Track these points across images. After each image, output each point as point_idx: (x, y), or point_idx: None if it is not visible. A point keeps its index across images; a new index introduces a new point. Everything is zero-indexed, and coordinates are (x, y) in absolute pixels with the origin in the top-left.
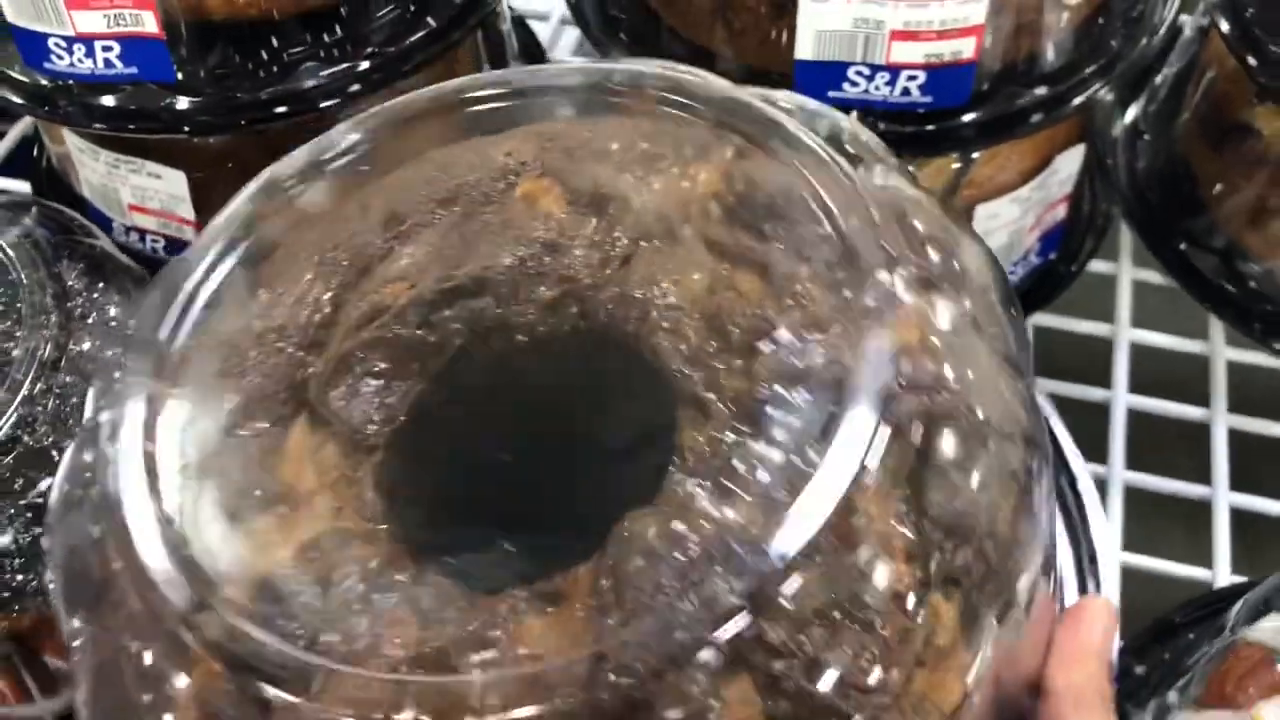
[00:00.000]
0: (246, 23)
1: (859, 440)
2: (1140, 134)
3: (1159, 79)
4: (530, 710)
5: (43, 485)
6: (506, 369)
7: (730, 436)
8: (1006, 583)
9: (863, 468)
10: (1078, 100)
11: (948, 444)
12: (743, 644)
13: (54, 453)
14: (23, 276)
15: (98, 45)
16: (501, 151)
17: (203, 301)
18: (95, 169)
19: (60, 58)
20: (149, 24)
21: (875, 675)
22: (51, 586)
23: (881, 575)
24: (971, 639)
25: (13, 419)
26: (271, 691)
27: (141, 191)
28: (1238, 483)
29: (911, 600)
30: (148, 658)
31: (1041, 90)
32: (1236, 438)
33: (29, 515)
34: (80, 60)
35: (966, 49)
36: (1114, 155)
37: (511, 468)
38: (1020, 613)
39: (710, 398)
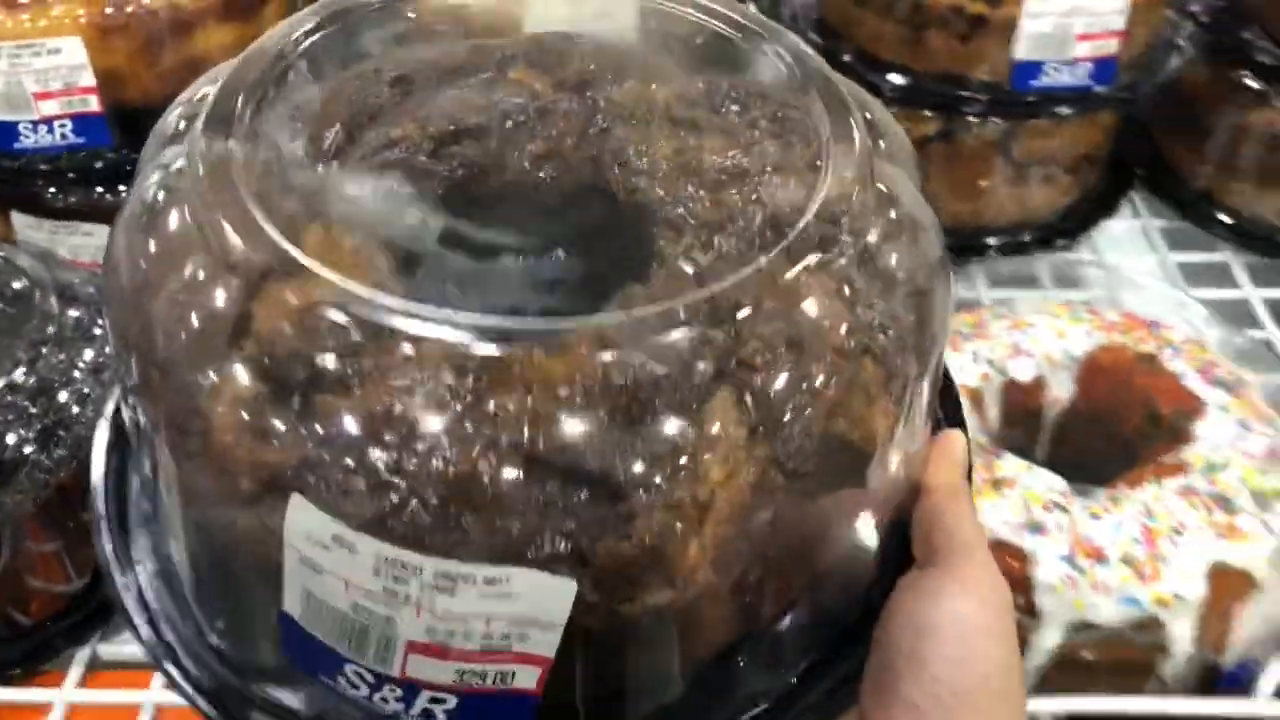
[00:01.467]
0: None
1: (801, 244)
2: None
3: None
4: (558, 389)
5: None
6: (506, 199)
7: (699, 244)
8: (919, 361)
9: (804, 262)
10: None
11: (879, 247)
12: (721, 364)
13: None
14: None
15: (56, 124)
16: (497, 48)
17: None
18: (38, 238)
19: (27, 137)
20: (93, 104)
21: (819, 381)
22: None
23: (821, 328)
24: (891, 395)
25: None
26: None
27: (75, 249)
28: None
29: (846, 352)
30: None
31: None
32: None
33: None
34: (42, 137)
35: None
36: None
37: (522, 264)
38: (924, 393)
39: (682, 218)
